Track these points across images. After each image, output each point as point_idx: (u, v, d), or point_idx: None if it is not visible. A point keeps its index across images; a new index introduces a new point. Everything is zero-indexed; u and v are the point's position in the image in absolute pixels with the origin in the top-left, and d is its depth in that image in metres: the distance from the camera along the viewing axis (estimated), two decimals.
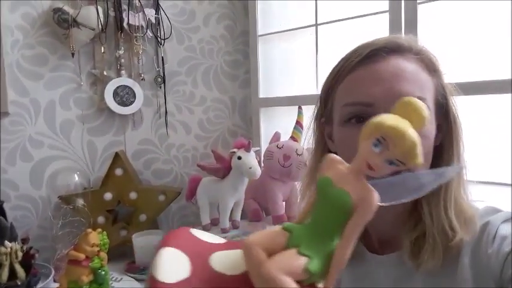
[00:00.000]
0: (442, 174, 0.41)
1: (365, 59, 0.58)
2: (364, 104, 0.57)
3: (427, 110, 0.36)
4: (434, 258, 0.56)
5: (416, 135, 0.34)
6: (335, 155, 0.39)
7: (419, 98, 0.54)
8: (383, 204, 0.37)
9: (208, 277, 0.38)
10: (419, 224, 0.58)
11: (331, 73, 0.64)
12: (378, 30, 1.42)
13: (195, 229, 0.46)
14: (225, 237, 0.49)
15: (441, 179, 0.41)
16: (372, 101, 0.56)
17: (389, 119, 0.35)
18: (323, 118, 0.68)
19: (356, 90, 0.58)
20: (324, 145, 0.69)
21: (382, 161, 0.34)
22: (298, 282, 0.34)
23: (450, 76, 0.63)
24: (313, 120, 0.70)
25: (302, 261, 0.34)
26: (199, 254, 0.40)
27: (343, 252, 0.35)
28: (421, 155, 0.34)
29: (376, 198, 0.35)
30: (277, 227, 0.38)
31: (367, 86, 0.57)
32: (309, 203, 0.41)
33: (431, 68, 0.60)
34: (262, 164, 1.61)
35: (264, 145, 1.73)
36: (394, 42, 0.59)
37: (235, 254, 0.40)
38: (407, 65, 0.57)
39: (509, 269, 0.51)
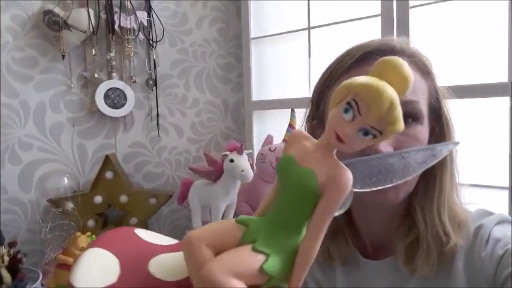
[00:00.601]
0: (433, 151, 0.35)
1: (358, 61, 0.58)
2: None
3: (409, 69, 0.29)
4: (429, 263, 0.55)
5: (395, 95, 0.28)
6: (301, 130, 0.34)
7: (412, 102, 0.53)
8: (361, 190, 0.32)
9: (140, 283, 0.33)
10: (413, 229, 0.58)
11: (323, 75, 0.64)
12: (370, 33, 1.43)
13: (141, 229, 0.41)
14: None
15: (432, 158, 0.35)
16: None
17: (362, 78, 0.29)
18: (315, 120, 0.67)
19: None
20: None
21: (354, 131, 0.28)
22: (254, 286, 0.28)
23: (443, 79, 0.63)
24: (304, 122, 0.69)
25: (257, 259, 0.28)
26: (136, 257, 0.35)
27: (309, 246, 0.29)
28: (402, 120, 0.28)
29: (348, 177, 0.29)
30: (231, 221, 0.31)
31: None
32: (272, 192, 0.33)
33: (424, 70, 0.59)
34: (255, 167, 1.60)
35: (257, 148, 1.72)
36: (387, 45, 0.59)
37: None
38: None
39: (502, 272, 0.51)
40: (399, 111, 0.27)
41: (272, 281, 0.28)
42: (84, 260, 0.34)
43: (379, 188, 0.33)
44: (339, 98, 0.29)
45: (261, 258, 0.28)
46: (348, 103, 0.28)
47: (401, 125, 0.28)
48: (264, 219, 0.31)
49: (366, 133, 0.28)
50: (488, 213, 0.60)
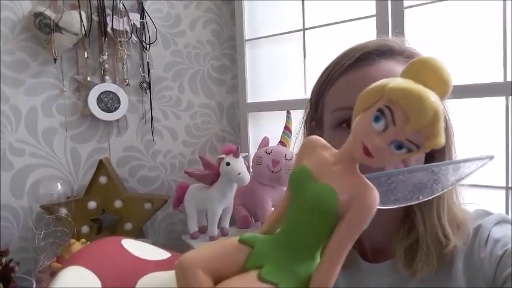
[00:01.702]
0: (465, 165, 0.30)
1: (356, 62, 0.57)
2: None
3: (449, 71, 0.25)
4: (429, 266, 0.54)
5: (440, 104, 0.23)
6: (317, 137, 0.29)
7: None
8: (384, 207, 0.28)
9: None
10: (413, 231, 0.57)
11: (321, 76, 0.63)
12: (365, 34, 1.42)
13: (129, 240, 0.36)
14: None
15: (464, 173, 0.31)
16: None
17: (397, 81, 0.24)
18: (313, 122, 0.66)
19: (347, 95, 0.57)
20: None
21: (385, 143, 0.24)
22: None
23: None
24: (303, 124, 0.68)
25: None
26: (122, 277, 0.31)
27: (325, 276, 0.25)
28: (443, 133, 0.24)
29: (375, 198, 0.25)
30: (233, 240, 0.27)
31: (359, 90, 0.55)
32: (281, 205, 0.29)
33: None
34: (251, 170, 1.59)
35: (253, 150, 1.71)
36: (385, 46, 0.58)
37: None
38: (399, 69, 0.56)
39: (502, 272, 0.50)
40: (442, 123, 0.23)
41: None
42: (62, 281, 0.30)
43: (404, 205, 0.30)
44: (367, 102, 0.25)
45: None
46: (380, 110, 0.24)
47: (443, 139, 0.24)
48: (271, 238, 0.27)
49: (400, 147, 0.24)
50: (487, 214, 0.60)
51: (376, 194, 0.25)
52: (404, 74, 0.25)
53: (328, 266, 0.25)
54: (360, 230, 0.25)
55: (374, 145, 0.24)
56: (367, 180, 0.26)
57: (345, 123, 0.57)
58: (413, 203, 0.30)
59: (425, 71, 0.24)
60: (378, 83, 0.25)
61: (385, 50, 0.57)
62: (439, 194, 0.30)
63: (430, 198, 0.30)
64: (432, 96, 0.23)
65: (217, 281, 0.25)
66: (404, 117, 0.23)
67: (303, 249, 0.26)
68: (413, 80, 0.24)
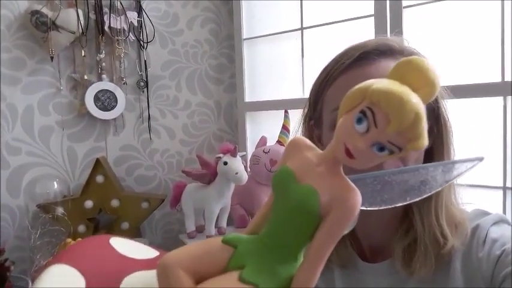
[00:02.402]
0: (454, 167, 0.31)
1: (356, 61, 0.57)
2: None
3: (436, 72, 0.25)
4: (427, 266, 0.55)
5: (422, 105, 0.23)
6: (302, 137, 0.29)
7: None
8: (370, 208, 0.28)
9: None
10: (411, 231, 0.57)
11: (320, 75, 0.62)
12: (363, 34, 1.42)
13: (118, 239, 0.36)
14: None
15: (452, 174, 0.31)
16: None
17: (380, 82, 0.24)
18: (312, 121, 0.66)
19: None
20: None
21: (367, 145, 0.24)
22: None
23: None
24: (302, 123, 0.68)
25: None
26: (107, 276, 0.31)
27: (307, 277, 0.25)
28: (426, 135, 0.24)
29: (357, 200, 0.25)
30: (216, 239, 0.27)
31: None
32: (266, 206, 0.29)
33: None
34: (249, 169, 1.59)
35: (250, 150, 1.71)
36: (385, 45, 0.58)
37: None
38: None
39: (500, 272, 0.50)
40: (424, 125, 0.23)
41: None
42: (46, 279, 0.29)
43: (391, 206, 0.30)
44: (350, 104, 0.25)
45: None
46: (362, 112, 0.24)
47: (425, 141, 0.24)
48: (255, 239, 0.27)
49: (382, 148, 0.24)
50: (485, 213, 0.60)
51: (358, 196, 0.25)
52: (391, 75, 0.25)
53: (310, 267, 0.25)
54: (341, 232, 0.25)
55: (356, 147, 0.24)
56: (350, 182, 0.26)
57: None
58: (401, 204, 0.30)
59: (411, 72, 0.24)
60: (362, 84, 0.25)
61: (385, 49, 0.57)
62: (427, 195, 0.30)
63: (417, 199, 0.30)
64: (414, 98, 0.23)
65: (199, 280, 0.25)
66: (386, 119, 0.23)
67: (285, 250, 0.26)
68: (399, 81, 0.24)
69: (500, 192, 1.19)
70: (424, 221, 0.56)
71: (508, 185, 1.17)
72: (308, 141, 0.29)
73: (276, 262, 0.26)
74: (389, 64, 0.56)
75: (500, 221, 0.58)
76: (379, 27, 1.36)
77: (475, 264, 0.54)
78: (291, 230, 0.26)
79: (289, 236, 0.26)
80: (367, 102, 0.24)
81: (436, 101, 0.59)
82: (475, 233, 0.56)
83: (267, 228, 0.27)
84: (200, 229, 1.56)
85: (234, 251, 0.26)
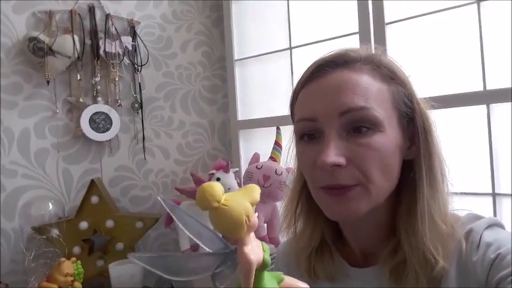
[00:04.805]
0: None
1: (312, 75, 0.60)
2: (308, 119, 0.58)
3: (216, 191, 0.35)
4: (418, 284, 0.55)
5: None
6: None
7: (363, 108, 0.54)
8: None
9: None
10: (399, 251, 0.58)
11: (292, 92, 0.66)
12: None
13: None
14: None
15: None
16: (315, 116, 0.57)
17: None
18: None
19: (303, 107, 0.60)
20: None
21: None
22: None
23: (421, 90, 0.63)
24: (293, 139, 0.70)
25: None
26: None
27: None
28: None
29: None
30: None
31: (311, 102, 0.59)
32: None
33: (387, 76, 0.59)
34: (242, 185, 1.60)
35: (244, 167, 1.72)
36: (341, 55, 0.59)
37: None
38: (352, 76, 0.57)
39: (494, 276, 0.51)
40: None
41: None
42: None
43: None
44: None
45: None
46: None
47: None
48: None
49: None
50: (478, 217, 0.60)
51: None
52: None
53: None
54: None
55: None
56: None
57: (306, 136, 0.60)
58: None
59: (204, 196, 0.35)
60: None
61: (340, 61, 0.59)
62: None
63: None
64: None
65: None
66: None
67: None
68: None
69: (490, 198, 1.20)
70: (411, 241, 0.56)
71: (497, 191, 1.19)
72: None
73: None
74: (343, 74, 0.57)
75: (493, 224, 0.58)
76: (364, 44, 1.41)
77: (470, 269, 0.54)
78: None
79: None
80: None
81: (411, 107, 0.59)
82: (469, 237, 0.56)
83: None
84: (195, 247, 1.55)
85: None
